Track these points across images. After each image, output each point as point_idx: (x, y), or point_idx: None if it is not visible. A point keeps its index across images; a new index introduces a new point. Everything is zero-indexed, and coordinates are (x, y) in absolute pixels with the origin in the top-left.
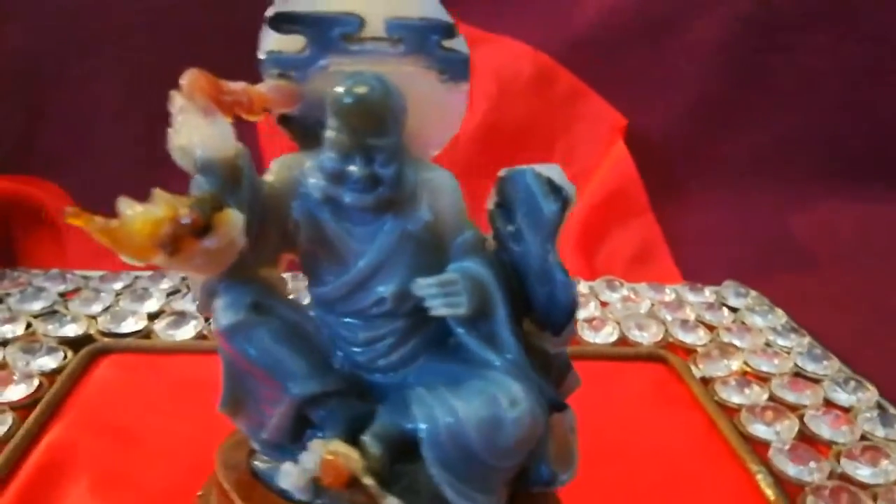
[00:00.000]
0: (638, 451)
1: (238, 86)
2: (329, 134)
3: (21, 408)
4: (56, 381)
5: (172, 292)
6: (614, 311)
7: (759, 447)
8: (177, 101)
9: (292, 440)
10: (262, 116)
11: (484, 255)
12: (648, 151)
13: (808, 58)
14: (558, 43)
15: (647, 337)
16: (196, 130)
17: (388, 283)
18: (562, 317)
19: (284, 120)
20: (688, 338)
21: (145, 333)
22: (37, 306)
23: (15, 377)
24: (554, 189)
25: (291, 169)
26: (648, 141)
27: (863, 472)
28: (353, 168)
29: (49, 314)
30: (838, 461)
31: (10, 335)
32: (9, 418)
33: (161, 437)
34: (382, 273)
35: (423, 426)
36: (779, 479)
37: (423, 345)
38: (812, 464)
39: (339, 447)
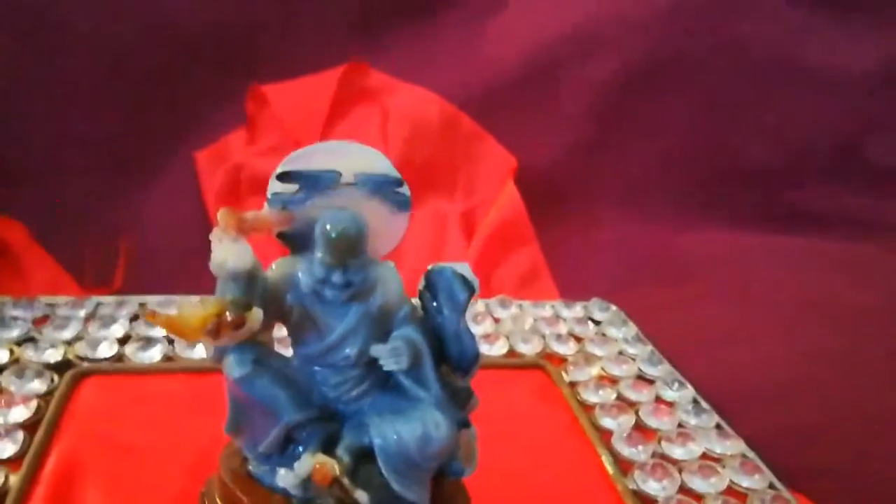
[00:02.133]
0: (522, 441)
1: (252, 215)
2: (318, 254)
3: (27, 426)
4: (51, 402)
5: (133, 318)
6: (505, 326)
7: (605, 435)
8: (216, 233)
9: (280, 452)
10: (265, 233)
11: (416, 322)
12: (537, 184)
13: (677, 98)
14: (460, 90)
15: (530, 348)
16: (228, 252)
17: (353, 347)
18: (468, 365)
19: (281, 235)
20: (561, 349)
21: (118, 357)
22: (14, 333)
23: (16, 400)
24: (465, 282)
25: (287, 268)
26: (537, 174)
27: (676, 452)
28: (335, 277)
29: (27, 340)
30: (660, 443)
31: None
32: (20, 436)
33: (156, 447)
34: (348, 340)
35: (378, 441)
36: (617, 459)
37: (373, 384)
38: (640, 447)
39: (324, 458)
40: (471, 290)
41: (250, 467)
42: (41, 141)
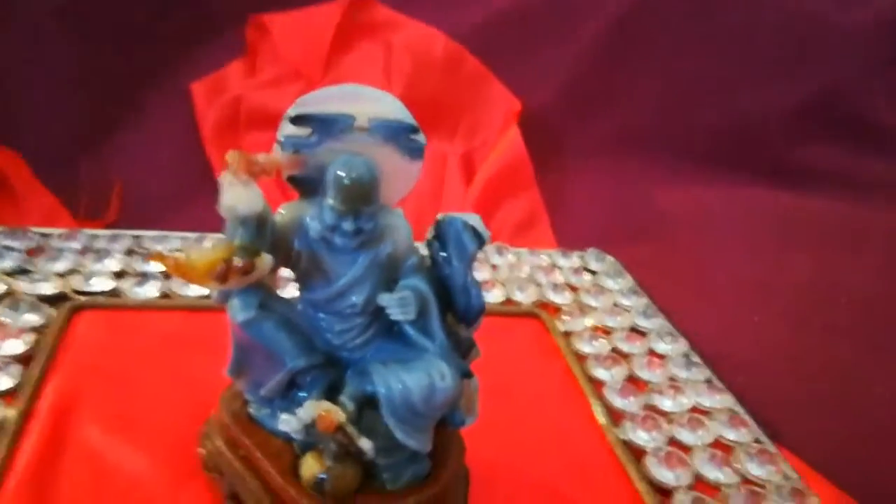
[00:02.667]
0: (516, 390)
1: (263, 158)
2: (329, 201)
3: (23, 359)
4: (47, 335)
5: (129, 252)
6: (502, 273)
7: (598, 386)
8: (226, 176)
9: (281, 396)
10: (274, 176)
11: (424, 272)
12: (539, 128)
13: (673, 50)
14: (466, 28)
15: (525, 297)
16: (238, 195)
17: (360, 294)
18: (474, 316)
19: (290, 178)
20: (556, 298)
21: (114, 291)
22: (7, 264)
23: (12, 332)
24: (475, 233)
25: (296, 213)
26: (539, 119)
27: (666, 404)
28: (345, 224)
29: (21, 272)
30: (651, 396)
31: None
32: (16, 369)
33: (152, 383)
34: (355, 287)
35: (382, 390)
36: (609, 409)
37: (378, 332)
38: (632, 398)
39: (328, 405)
40: (481, 242)
41: (251, 410)
42: (39, 72)
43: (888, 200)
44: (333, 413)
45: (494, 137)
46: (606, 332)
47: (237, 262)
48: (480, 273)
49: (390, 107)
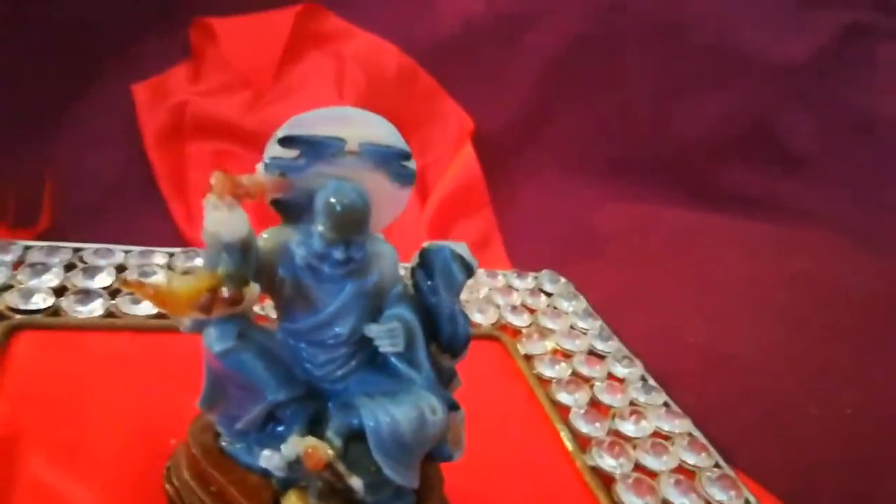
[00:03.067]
0: (481, 415)
1: (247, 179)
2: (319, 228)
3: None
4: None
5: (69, 266)
6: (461, 295)
7: (562, 411)
8: (210, 200)
9: (258, 430)
10: (257, 198)
11: (409, 301)
12: (490, 147)
13: (622, 70)
14: (419, 42)
15: (485, 319)
16: (222, 220)
17: (345, 325)
18: (460, 346)
19: (274, 202)
20: (515, 320)
21: (54, 310)
22: None
23: None
24: (464, 263)
25: (280, 238)
26: (490, 137)
27: (628, 428)
28: (336, 253)
29: None
30: (614, 420)
31: None
32: None
33: (102, 408)
34: (340, 318)
35: (370, 424)
36: (575, 435)
37: (360, 363)
38: (597, 424)
39: (315, 442)
40: (469, 272)
41: (223, 443)
42: None
43: (806, 220)
44: (321, 450)
45: (447, 155)
46: (566, 355)
47: (225, 292)
48: None
49: (382, 131)
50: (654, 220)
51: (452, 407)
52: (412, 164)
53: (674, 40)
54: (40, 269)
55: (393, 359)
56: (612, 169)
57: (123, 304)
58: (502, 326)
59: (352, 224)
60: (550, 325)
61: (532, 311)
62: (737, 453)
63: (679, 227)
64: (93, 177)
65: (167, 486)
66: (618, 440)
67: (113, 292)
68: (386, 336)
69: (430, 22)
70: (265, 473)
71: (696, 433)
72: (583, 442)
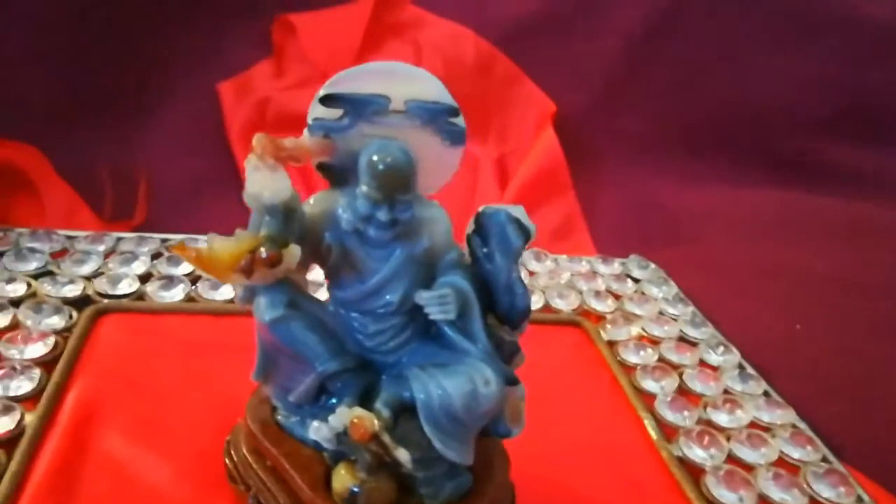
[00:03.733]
0: (560, 401)
1: (290, 142)
2: (363, 188)
3: (44, 364)
4: (69, 339)
5: (156, 255)
6: (540, 280)
7: (647, 399)
8: (251, 161)
9: (311, 403)
10: (303, 163)
11: (464, 269)
12: (572, 131)
13: (696, 50)
14: (497, 28)
15: (566, 304)
16: (265, 183)
17: (395, 292)
18: (519, 318)
19: (321, 166)
20: (599, 306)
21: (139, 295)
22: (31, 266)
23: (33, 336)
24: (521, 227)
25: (326, 203)
26: (572, 121)
27: (721, 419)
28: (380, 214)
29: (44, 274)
30: (705, 410)
31: (12, 294)
32: (37, 373)
33: (175, 389)
34: (391, 285)
35: (421, 396)
36: (660, 424)
37: (414, 334)
38: (685, 412)
39: (362, 413)
40: (526, 236)
41: (279, 417)
42: (60, 66)
43: None
44: (367, 421)
45: (528, 140)
46: (653, 341)
47: (263, 252)
48: None
49: (429, 87)
50: (747, 202)
51: (511, 381)
52: (461, 122)
53: (755, 4)
54: (130, 257)
55: (446, 329)
56: (700, 149)
57: (203, 289)
58: (584, 312)
59: (396, 183)
60: (637, 311)
61: (617, 297)
62: (847, 448)
63: (774, 209)
64: (183, 172)
65: (226, 461)
66: (709, 430)
67: (195, 279)
68: (436, 302)
69: (507, 5)
70: (318, 447)
71: (801, 424)
72: (669, 431)
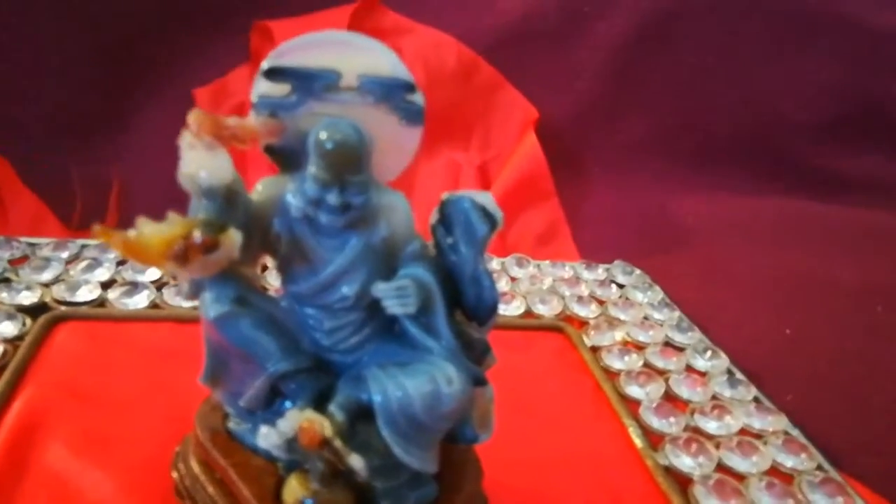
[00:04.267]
0: (540, 408)
1: (233, 121)
2: (311, 169)
3: None
4: (20, 347)
5: (121, 262)
6: (522, 286)
7: (632, 405)
8: (186, 138)
9: (264, 408)
10: (249, 146)
11: (427, 261)
12: (555, 138)
13: (692, 56)
14: (479, 35)
15: (548, 310)
16: (202, 162)
17: (351, 285)
18: (487, 312)
19: (269, 149)
20: (582, 311)
21: (100, 302)
22: None
23: None
24: (486, 214)
25: (274, 189)
26: (556, 128)
27: (710, 426)
28: (330, 197)
29: (1, 281)
30: (693, 416)
31: None
32: None
33: (130, 399)
34: (346, 277)
35: (377, 398)
36: (646, 431)
37: (375, 331)
38: (672, 419)
39: (312, 416)
40: (492, 224)
41: (231, 424)
42: (26, 69)
43: None
44: (317, 424)
45: (511, 147)
46: (638, 347)
47: (197, 237)
48: (498, 284)
49: (383, 60)
50: (736, 208)
51: (479, 381)
52: (419, 99)
53: (753, 14)
54: (93, 263)
55: (408, 325)
56: (690, 155)
57: (169, 295)
58: (567, 317)
59: (346, 162)
60: (622, 317)
61: (601, 303)
62: (844, 455)
63: (765, 215)
64: (156, 178)
65: (174, 474)
66: (697, 437)
67: (160, 285)
68: (394, 295)
69: (489, 13)
70: (270, 457)
71: (794, 432)
72: (654, 439)
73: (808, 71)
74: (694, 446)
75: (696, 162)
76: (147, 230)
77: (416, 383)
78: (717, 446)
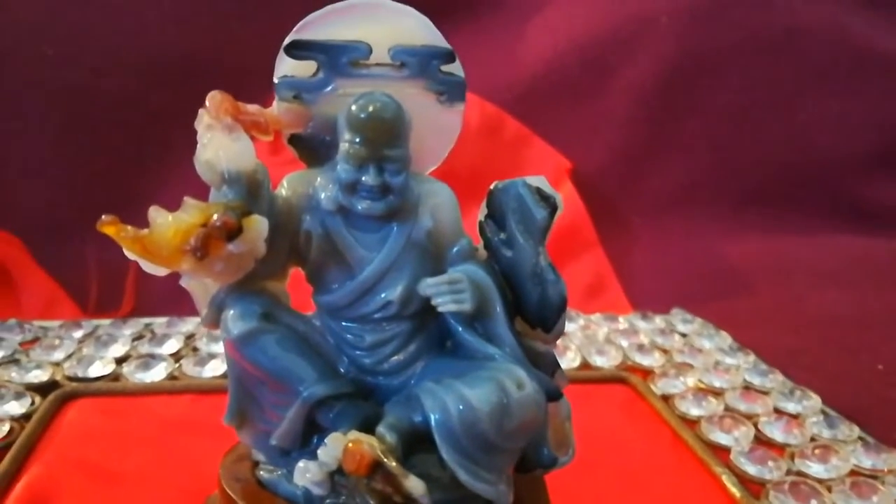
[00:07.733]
0: (613, 462)
1: (254, 108)
2: (344, 147)
3: None
4: (27, 426)
5: (137, 337)
6: (575, 338)
7: (720, 452)
8: (203, 120)
9: (301, 446)
10: (272, 136)
11: (480, 263)
12: (590, 188)
13: (723, 96)
14: (501, 91)
15: (607, 361)
16: (222, 146)
17: (394, 288)
18: (553, 313)
19: (294, 140)
20: (645, 360)
21: (114, 377)
22: None
23: None
24: (543, 197)
25: (304, 184)
26: (590, 179)
27: (815, 469)
28: (366, 178)
29: (10, 362)
30: (793, 460)
31: None
32: None
33: (142, 475)
34: (387, 278)
35: (435, 416)
36: (741, 479)
37: (425, 346)
38: (770, 463)
39: (360, 436)
40: (552, 207)
41: (262, 473)
42: (39, 148)
43: None
44: (366, 444)
45: None
46: (715, 392)
47: (216, 220)
48: None
49: (417, 27)
50: (798, 248)
51: (553, 394)
52: (459, 69)
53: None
54: (107, 339)
55: (464, 332)
56: (733, 197)
57: (188, 366)
58: (629, 367)
59: (383, 132)
60: (691, 363)
61: (665, 352)
62: None
63: (832, 254)
64: None
65: None
66: (803, 482)
67: (178, 357)
68: (446, 290)
69: (509, 70)
70: (309, 500)
71: None
72: (753, 487)
73: (850, 105)
74: (801, 492)
75: (740, 203)
76: (161, 220)
77: (479, 393)
78: (829, 490)
